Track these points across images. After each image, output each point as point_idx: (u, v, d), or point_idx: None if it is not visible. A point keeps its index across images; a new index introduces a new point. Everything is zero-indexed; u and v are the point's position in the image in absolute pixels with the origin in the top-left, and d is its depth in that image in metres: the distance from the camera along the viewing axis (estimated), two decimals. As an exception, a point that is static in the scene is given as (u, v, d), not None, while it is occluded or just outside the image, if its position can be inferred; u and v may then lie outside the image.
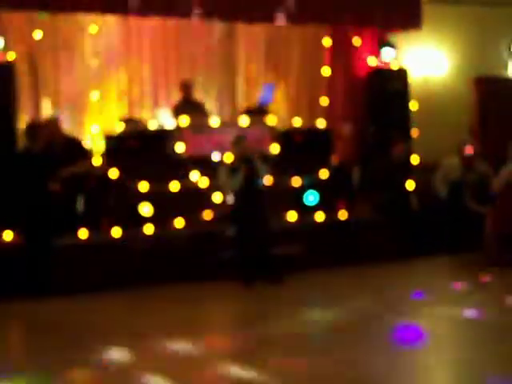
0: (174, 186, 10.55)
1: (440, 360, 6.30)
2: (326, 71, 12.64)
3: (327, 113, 12.57)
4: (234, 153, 10.23)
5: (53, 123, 10.49)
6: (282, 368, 6.15)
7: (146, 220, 10.30)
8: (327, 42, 12.60)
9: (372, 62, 12.71)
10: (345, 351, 6.60)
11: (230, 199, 10.22)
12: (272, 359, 6.40)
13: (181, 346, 7.04)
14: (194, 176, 10.65)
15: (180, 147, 10.69)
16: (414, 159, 12.28)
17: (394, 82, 12.67)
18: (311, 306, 8.66)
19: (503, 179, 10.78)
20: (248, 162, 10.06)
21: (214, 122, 11.15)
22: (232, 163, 10.12)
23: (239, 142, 10.22)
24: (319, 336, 7.30)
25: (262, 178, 10.17)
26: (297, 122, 11.92)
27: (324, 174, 11.40)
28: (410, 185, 11.89)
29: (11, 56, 10.46)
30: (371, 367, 6.10)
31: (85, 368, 6.42)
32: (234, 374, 6.14)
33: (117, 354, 6.87)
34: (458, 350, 6.73)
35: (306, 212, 11.09)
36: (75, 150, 10.40)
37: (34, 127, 9.95)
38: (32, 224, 9.40)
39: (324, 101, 12.59)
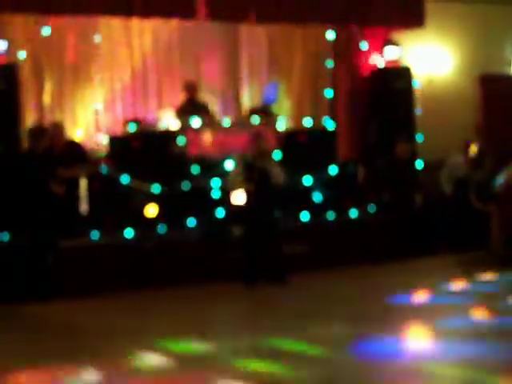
0: (180, 187, 10.54)
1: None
2: (329, 70, 12.65)
3: (331, 112, 12.57)
4: (252, 150, 10.09)
5: (55, 127, 10.49)
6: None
7: (150, 221, 10.30)
8: (330, 41, 12.61)
9: (376, 60, 12.70)
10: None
11: (239, 199, 10.17)
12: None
13: (183, 348, 7.03)
14: (199, 176, 10.65)
15: (185, 147, 10.71)
16: (419, 158, 12.27)
17: (398, 81, 12.66)
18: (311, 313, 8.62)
19: (508, 177, 10.78)
20: (263, 161, 9.95)
21: (220, 122, 11.20)
22: (244, 162, 10.00)
23: (258, 139, 10.07)
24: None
25: (276, 177, 10.04)
26: (301, 122, 11.94)
27: (329, 173, 11.39)
28: (415, 183, 11.87)
29: (15, 57, 10.51)
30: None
31: (88, 370, 6.42)
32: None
33: (121, 356, 6.85)
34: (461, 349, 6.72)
35: (311, 211, 11.09)
36: (76, 154, 10.40)
37: (39, 130, 9.98)
38: (35, 225, 9.40)
39: (328, 100, 12.60)
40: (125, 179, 10.30)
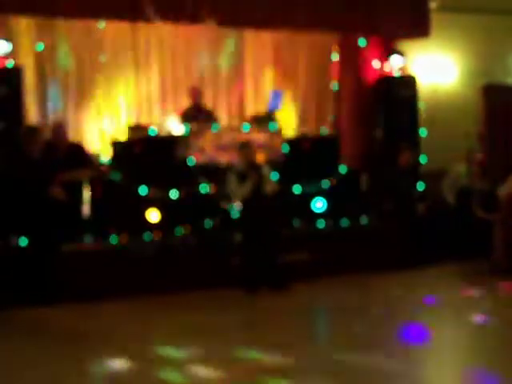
0: (181, 193, 10.52)
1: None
2: (334, 78, 12.66)
3: (335, 120, 12.59)
4: (240, 159, 10.20)
5: (57, 128, 10.43)
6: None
7: (152, 226, 10.28)
8: (336, 49, 12.63)
9: (381, 69, 12.71)
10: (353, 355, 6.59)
11: (238, 206, 10.20)
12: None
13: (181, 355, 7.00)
14: (202, 183, 10.63)
15: (188, 154, 10.69)
16: (422, 166, 12.27)
17: (402, 90, 12.68)
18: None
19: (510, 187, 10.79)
20: (256, 170, 10.04)
21: (223, 128, 11.19)
22: (240, 170, 10.07)
23: (244, 148, 10.18)
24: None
25: (270, 185, 10.12)
26: (306, 128, 11.95)
27: (332, 180, 11.38)
28: (417, 192, 11.86)
29: (19, 60, 10.53)
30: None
31: (86, 377, 6.40)
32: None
33: (119, 363, 6.82)
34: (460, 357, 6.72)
35: (313, 219, 11.07)
36: (78, 157, 10.33)
37: (31, 131, 9.68)
38: (36, 230, 9.34)
39: (332, 108, 12.61)
40: (128, 184, 10.29)
